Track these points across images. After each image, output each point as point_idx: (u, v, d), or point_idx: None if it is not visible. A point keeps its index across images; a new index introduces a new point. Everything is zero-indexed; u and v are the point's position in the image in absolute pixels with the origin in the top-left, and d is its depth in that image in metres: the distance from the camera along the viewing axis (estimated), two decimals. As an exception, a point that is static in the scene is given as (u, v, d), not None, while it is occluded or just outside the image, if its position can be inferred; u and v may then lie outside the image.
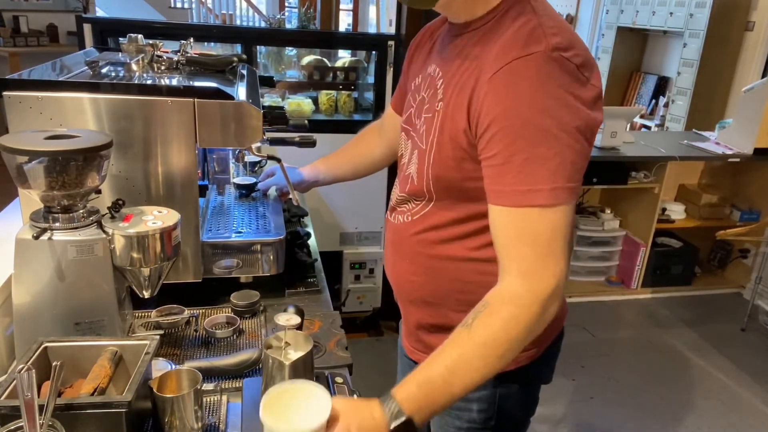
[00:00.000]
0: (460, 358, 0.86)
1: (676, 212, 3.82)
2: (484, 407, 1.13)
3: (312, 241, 1.72)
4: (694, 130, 4.02)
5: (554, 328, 1.15)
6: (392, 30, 3.74)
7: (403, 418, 0.83)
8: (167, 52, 1.50)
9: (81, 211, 1.05)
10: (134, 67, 1.40)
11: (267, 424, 0.81)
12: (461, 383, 0.86)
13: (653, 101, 5.23)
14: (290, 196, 1.58)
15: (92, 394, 0.89)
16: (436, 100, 1.01)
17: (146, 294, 1.12)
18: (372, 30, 8.07)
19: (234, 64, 1.54)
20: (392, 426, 0.83)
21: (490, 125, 0.88)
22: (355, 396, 1.06)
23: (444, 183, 1.01)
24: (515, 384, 1.13)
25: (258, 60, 2.91)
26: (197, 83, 1.32)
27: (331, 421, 0.82)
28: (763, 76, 4.07)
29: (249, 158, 1.81)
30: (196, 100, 1.19)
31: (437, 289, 1.10)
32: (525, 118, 0.84)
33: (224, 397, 1.06)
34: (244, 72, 1.56)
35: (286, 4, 9.12)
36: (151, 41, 1.49)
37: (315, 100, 2.96)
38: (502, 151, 0.86)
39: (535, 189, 0.84)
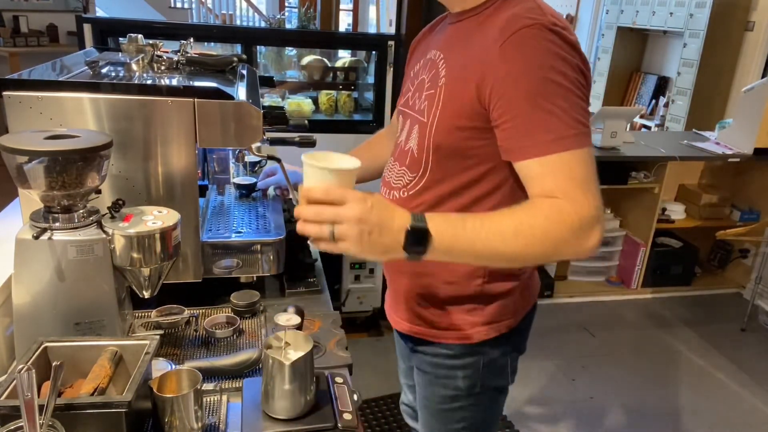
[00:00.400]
0: (496, 220, 0.92)
1: (676, 212, 3.82)
2: (469, 374, 1.19)
3: (312, 241, 1.71)
4: (694, 130, 4.02)
5: (528, 300, 1.22)
6: (392, 30, 3.74)
7: (423, 225, 0.86)
8: (167, 52, 1.50)
9: (81, 211, 1.05)
10: (134, 67, 1.40)
11: (306, 162, 0.86)
12: (484, 242, 0.90)
13: (653, 101, 5.23)
14: (290, 196, 1.58)
15: (92, 394, 0.89)
16: (439, 77, 1.06)
17: (146, 294, 1.12)
18: (372, 30, 8.08)
19: (234, 64, 1.54)
20: (410, 225, 0.86)
21: (507, 89, 0.94)
22: (355, 396, 1.06)
23: (444, 151, 1.06)
24: (496, 351, 1.19)
25: (258, 60, 2.90)
26: (197, 83, 1.32)
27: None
28: (763, 76, 4.07)
29: (249, 158, 1.81)
30: (196, 100, 1.19)
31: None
32: (540, 76, 0.93)
33: (224, 397, 1.06)
34: (244, 72, 1.56)
35: (286, 4, 9.13)
36: (151, 41, 1.49)
37: (315, 100, 2.95)
38: (522, 110, 0.94)
39: (562, 136, 0.92)
